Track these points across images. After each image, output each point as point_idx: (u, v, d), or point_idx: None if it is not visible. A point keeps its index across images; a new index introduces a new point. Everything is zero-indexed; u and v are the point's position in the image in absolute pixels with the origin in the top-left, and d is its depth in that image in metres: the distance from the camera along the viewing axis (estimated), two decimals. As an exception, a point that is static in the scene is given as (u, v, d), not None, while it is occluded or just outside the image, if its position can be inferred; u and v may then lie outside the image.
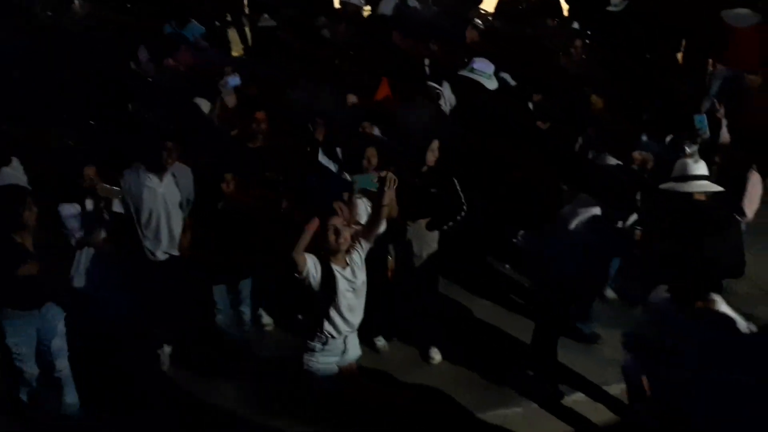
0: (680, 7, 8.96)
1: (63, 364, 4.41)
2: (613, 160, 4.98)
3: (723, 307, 3.65)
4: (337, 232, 3.82)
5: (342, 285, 3.85)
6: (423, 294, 5.05)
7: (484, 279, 6.07)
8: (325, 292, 3.83)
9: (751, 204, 5.08)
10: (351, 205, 4.33)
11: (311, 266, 3.76)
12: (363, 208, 4.51)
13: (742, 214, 5.02)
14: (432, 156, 4.79)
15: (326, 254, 3.82)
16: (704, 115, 5.44)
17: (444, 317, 5.35)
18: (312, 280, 3.78)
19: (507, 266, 6.24)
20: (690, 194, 4.23)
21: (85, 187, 4.53)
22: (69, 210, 4.52)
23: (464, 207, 4.85)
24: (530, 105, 5.97)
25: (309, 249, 3.73)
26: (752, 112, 7.82)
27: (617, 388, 4.66)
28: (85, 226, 4.53)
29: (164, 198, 4.73)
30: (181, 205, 4.83)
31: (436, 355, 5.11)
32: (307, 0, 8.35)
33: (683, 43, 9.33)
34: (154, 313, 4.85)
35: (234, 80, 5.60)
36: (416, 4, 8.59)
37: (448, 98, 6.03)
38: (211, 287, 5.03)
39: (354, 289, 3.91)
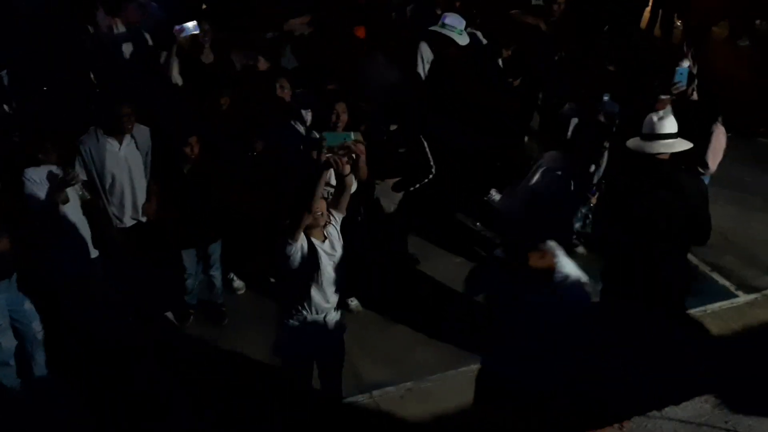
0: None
1: (39, 326, 4.38)
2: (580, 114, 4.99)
3: (564, 264, 3.43)
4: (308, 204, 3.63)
5: (324, 259, 3.73)
6: (391, 248, 5.06)
7: (454, 236, 6.08)
8: (306, 267, 3.70)
9: (714, 157, 5.13)
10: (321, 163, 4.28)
11: (301, 240, 3.64)
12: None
13: (706, 166, 5.08)
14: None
15: (306, 227, 3.68)
16: (686, 68, 5.42)
17: (409, 275, 5.38)
18: (297, 254, 3.65)
19: (478, 224, 6.29)
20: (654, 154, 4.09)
21: (44, 155, 4.37)
22: (33, 174, 4.35)
23: (432, 169, 4.80)
24: (500, 62, 5.94)
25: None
26: (716, 65, 7.96)
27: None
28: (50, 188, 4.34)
29: (126, 161, 4.65)
30: (143, 166, 4.75)
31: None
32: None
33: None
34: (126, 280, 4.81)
35: (191, 28, 5.42)
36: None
37: (426, 57, 5.90)
38: (180, 252, 4.97)
39: (334, 262, 3.80)
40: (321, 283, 3.76)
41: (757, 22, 9.59)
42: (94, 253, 4.66)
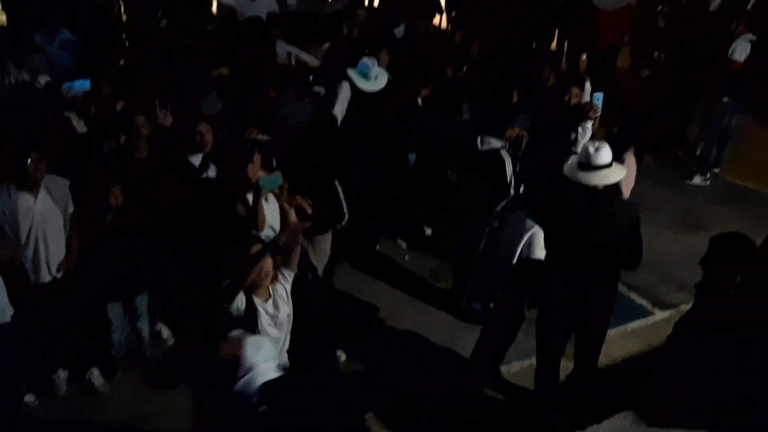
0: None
1: None
2: (497, 143, 5.13)
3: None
4: (254, 261, 3.51)
5: (264, 319, 3.60)
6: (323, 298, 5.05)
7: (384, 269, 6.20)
8: (246, 326, 3.55)
9: (627, 185, 5.39)
10: (258, 209, 4.29)
11: (238, 299, 3.52)
12: (274, 209, 4.46)
13: (620, 193, 5.33)
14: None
15: (248, 286, 3.55)
16: (602, 93, 5.67)
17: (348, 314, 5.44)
18: (234, 312, 3.52)
19: (406, 258, 6.41)
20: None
21: None
22: None
23: (345, 216, 4.81)
24: (419, 100, 6.11)
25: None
26: (623, 90, 8.44)
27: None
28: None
29: (42, 215, 4.45)
30: (62, 221, 4.59)
31: (341, 356, 5.15)
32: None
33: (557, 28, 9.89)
34: (47, 337, 4.65)
35: (82, 83, 5.45)
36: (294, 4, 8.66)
37: (345, 95, 5.96)
38: (105, 305, 4.84)
39: (276, 323, 3.66)
40: None
41: (656, 53, 10.19)
42: (9, 311, 4.40)
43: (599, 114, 5.60)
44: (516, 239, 4.31)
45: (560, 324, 4.35)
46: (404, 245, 6.56)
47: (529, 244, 4.27)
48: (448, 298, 5.78)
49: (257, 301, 3.58)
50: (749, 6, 9.41)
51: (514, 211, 4.42)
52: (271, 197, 4.47)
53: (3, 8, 9.68)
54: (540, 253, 4.24)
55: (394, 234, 6.58)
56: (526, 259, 4.30)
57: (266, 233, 4.48)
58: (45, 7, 7.76)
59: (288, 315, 3.74)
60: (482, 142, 5.05)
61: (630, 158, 5.41)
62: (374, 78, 5.86)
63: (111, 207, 4.52)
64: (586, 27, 9.29)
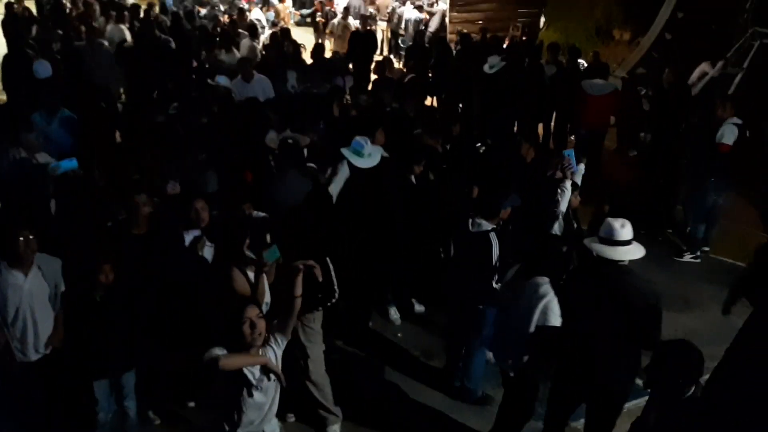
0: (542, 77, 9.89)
1: None
2: (488, 225, 5.18)
3: None
4: (253, 325, 3.51)
5: (249, 383, 3.56)
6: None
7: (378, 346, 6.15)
8: (230, 389, 3.54)
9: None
10: (260, 282, 4.31)
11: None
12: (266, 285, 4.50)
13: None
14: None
15: (237, 348, 3.49)
16: (572, 150, 5.87)
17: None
18: (220, 375, 3.48)
19: (399, 335, 6.36)
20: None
21: None
22: None
23: (336, 293, 4.78)
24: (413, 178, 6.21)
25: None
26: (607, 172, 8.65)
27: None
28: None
29: (31, 294, 4.42)
30: (50, 299, 4.54)
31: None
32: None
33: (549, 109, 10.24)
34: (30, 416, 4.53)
35: (69, 163, 5.53)
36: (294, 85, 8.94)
37: (343, 175, 6.05)
38: (91, 383, 4.74)
39: (261, 388, 3.62)
40: (244, 408, 3.60)
41: (642, 134, 10.51)
42: None
43: (574, 170, 5.72)
44: (531, 307, 4.31)
45: (573, 394, 4.41)
46: (398, 320, 6.53)
47: (544, 312, 4.27)
48: (442, 377, 5.71)
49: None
50: (731, 90, 9.78)
51: (528, 279, 4.44)
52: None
53: (3, 88, 9.94)
54: (555, 320, 4.25)
55: (386, 307, 6.55)
56: (543, 327, 4.30)
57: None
58: (44, 87, 7.94)
59: (275, 381, 3.69)
60: (473, 224, 5.10)
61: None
62: (368, 155, 5.98)
63: (101, 284, 4.50)
64: (575, 109, 9.61)
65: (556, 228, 5.73)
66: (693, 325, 6.13)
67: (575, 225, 5.89)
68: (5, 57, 9.60)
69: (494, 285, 5.00)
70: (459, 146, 7.25)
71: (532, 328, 4.28)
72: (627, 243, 4.23)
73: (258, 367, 3.60)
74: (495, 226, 5.07)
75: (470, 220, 5.11)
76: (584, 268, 4.57)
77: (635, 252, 4.23)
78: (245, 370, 3.55)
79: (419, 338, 6.31)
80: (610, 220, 4.33)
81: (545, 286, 4.31)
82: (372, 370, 5.88)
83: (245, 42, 11.43)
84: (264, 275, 4.47)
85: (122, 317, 4.56)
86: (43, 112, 7.11)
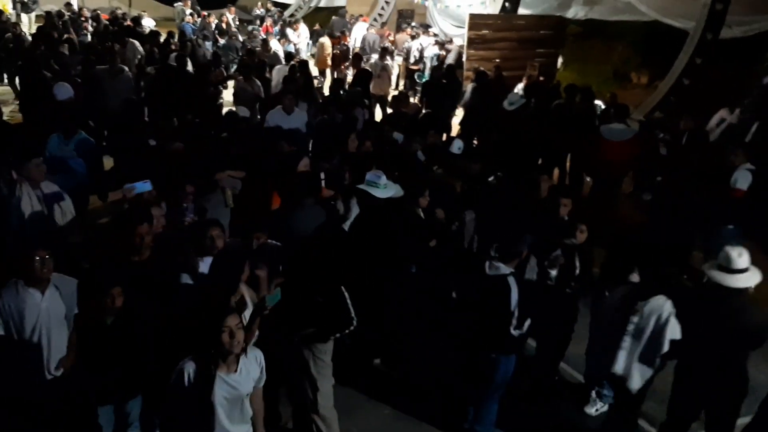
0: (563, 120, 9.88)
1: None
2: (506, 269, 5.12)
3: None
4: (232, 334, 3.57)
5: (220, 392, 3.58)
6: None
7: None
8: (197, 395, 3.57)
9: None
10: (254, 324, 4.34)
11: (188, 367, 3.54)
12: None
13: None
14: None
15: (212, 357, 3.55)
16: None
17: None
18: (186, 382, 3.53)
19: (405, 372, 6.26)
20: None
21: None
22: None
23: (354, 321, 4.76)
24: (420, 212, 6.18)
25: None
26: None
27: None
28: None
29: (48, 312, 4.46)
30: (66, 319, 4.56)
31: None
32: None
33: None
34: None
35: (144, 186, 5.67)
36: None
37: (354, 210, 6.10)
38: (96, 408, 4.68)
39: (228, 399, 3.65)
40: (215, 420, 3.61)
41: (658, 178, 10.45)
42: None
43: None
44: (661, 325, 4.62)
45: (692, 403, 4.85)
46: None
47: (673, 329, 4.60)
48: (449, 416, 5.60)
49: (220, 372, 3.59)
50: (748, 137, 9.75)
51: (644, 299, 4.70)
52: None
53: (20, 109, 10.06)
54: (678, 333, 4.60)
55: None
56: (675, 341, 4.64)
57: None
58: (63, 109, 8.01)
59: (247, 394, 3.75)
60: (490, 267, 5.01)
61: None
62: (383, 186, 6.00)
63: (110, 308, 4.47)
64: (590, 152, 9.56)
65: None
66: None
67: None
68: (24, 78, 9.75)
69: (512, 332, 4.92)
70: (476, 184, 7.22)
71: (666, 347, 4.60)
72: (745, 271, 4.52)
73: (236, 376, 3.65)
74: (513, 270, 4.99)
75: (487, 263, 5.02)
76: (698, 291, 5.09)
77: (753, 279, 4.53)
78: (219, 377, 3.59)
79: (427, 376, 6.18)
80: (728, 248, 4.59)
81: (668, 303, 4.61)
82: (378, 407, 5.76)
83: (278, 69, 11.71)
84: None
85: (130, 342, 4.52)
86: (61, 135, 7.17)
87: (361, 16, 20.96)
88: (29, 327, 4.41)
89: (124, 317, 4.49)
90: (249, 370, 3.77)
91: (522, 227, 5.52)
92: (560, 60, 16.63)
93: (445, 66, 14.31)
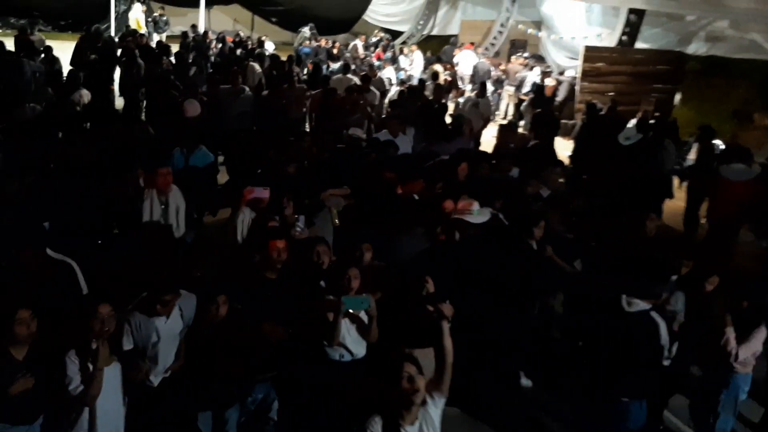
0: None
1: None
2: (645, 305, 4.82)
3: None
4: (411, 381, 3.30)
5: None
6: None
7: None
8: None
9: (745, 351, 5.14)
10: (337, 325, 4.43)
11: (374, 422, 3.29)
12: (345, 329, 4.60)
13: (735, 358, 5.16)
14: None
15: (395, 409, 3.30)
16: None
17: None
18: None
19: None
20: None
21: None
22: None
23: None
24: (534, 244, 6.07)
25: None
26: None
27: None
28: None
29: (168, 333, 4.68)
30: (180, 334, 4.76)
31: None
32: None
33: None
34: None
35: (262, 192, 6.03)
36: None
37: None
38: (196, 414, 4.84)
39: None
40: None
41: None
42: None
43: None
44: None
45: None
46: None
47: None
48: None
49: (404, 426, 3.31)
50: None
51: None
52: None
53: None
54: None
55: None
56: None
57: (338, 352, 4.67)
58: (190, 125, 8.41)
59: None
60: (628, 303, 4.68)
61: (761, 332, 5.16)
62: (477, 212, 5.98)
63: (213, 316, 4.65)
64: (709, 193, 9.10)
65: None
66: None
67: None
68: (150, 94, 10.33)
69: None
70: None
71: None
72: None
73: (417, 426, 3.38)
74: (652, 305, 4.74)
75: (624, 299, 4.69)
76: None
77: None
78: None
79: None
80: None
81: None
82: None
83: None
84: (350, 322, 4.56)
85: (232, 349, 4.65)
86: (184, 149, 7.52)
87: (464, 44, 20.91)
88: (151, 346, 4.62)
89: (226, 327, 4.65)
90: (431, 422, 3.47)
91: (666, 267, 5.30)
92: (678, 96, 16.02)
93: (556, 100, 14.12)
